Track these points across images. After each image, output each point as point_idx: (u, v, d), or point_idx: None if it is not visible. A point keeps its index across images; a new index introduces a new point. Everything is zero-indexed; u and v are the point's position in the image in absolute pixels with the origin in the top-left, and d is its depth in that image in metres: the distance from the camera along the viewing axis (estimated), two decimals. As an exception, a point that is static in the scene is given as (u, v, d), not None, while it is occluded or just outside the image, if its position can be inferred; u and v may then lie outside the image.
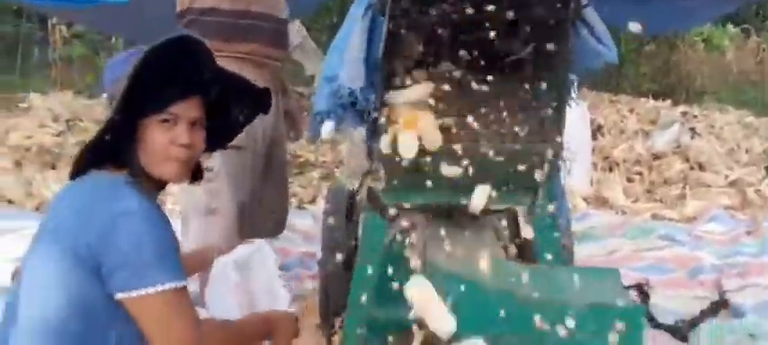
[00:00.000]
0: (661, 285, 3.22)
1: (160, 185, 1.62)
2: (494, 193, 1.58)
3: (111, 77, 1.58)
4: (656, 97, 7.82)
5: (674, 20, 6.50)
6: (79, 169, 1.55)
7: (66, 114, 5.50)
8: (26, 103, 6.16)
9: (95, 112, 5.79)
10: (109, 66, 1.67)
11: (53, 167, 4.79)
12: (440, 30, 1.46)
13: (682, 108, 6.85)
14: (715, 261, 3.47)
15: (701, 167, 5.09)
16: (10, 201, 4.16)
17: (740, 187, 4.71)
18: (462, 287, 1.47)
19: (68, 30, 7.82)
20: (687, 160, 5.16)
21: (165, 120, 1.54)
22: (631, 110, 6.08)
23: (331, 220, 2.73)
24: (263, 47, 2.56)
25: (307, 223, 3.97)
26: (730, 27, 10.28)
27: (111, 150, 1.54)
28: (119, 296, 1.41)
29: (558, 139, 1.51)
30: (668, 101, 7.35)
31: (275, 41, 2.63)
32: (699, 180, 4.88)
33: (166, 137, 1.54)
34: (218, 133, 1.69)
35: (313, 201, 4.51)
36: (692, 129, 5.73)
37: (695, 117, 6.42)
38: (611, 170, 4.99)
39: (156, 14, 4.25)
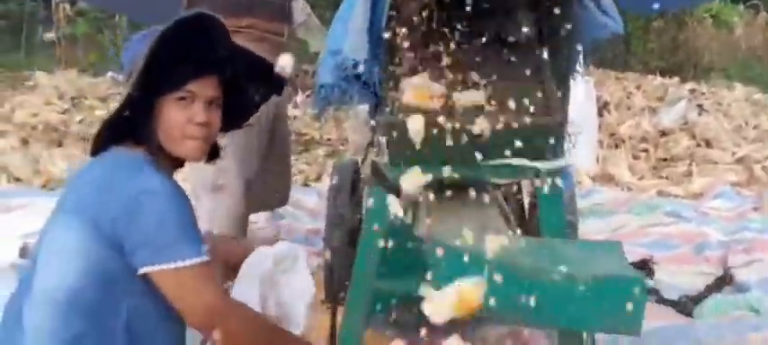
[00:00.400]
0: (666, 261, 3.22)
1: (177, 163, 1.66)
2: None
3: (129, 56, 1.61)
4: (663, 74, 7.78)
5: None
6: (99, 146, 1.59)
7: (71, 92, 5.52)
8: (32, 82, 6.19)
9: (100, 90, 5.81)
10: (126, 46, 1.71)
11: (59, 144, 4.81)
12: (443, 2, 1.45)
13: (689, 85, 6.81)
14: (721, 238, 3.47)
15: (708, 144, 5.07)
16: (17, 179, 4.18)
17: (747, 164, 4.69)
18: (465, 261, 1.47)
19: (72, 9, 7.81)
20: (694, 137, 5.14)
21: (182, 98, 1.56)
22: (638, 87, 6.05)
23: (336, 195, 2.74)
24: (264, 22, 2.55)
25: (312, 200, 3.98)
26: (739, 3, 10.17)
27: (130, 127, 1.58)
28: (145, 270, 1.47)
29: (563, 113, 1.49)
30: (676, 79, 7.31)
31: (277, 16, 2.63)
32: (705, 156, 4.86)
33: (183, 116, 1.57)
34: (234, 112, 1.71)
35: (318, 179, 4.52)
36: (700, 106, 5.70)
37: (703, 94, 6.39)
38: (617, 147, 4.98)
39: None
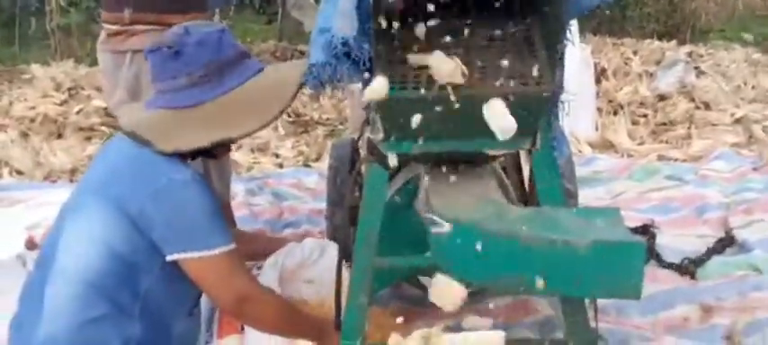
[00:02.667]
0: (668, 224, 3.23)
1: (195, 155, 1.75)
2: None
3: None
4: (660, 37, 7.73)
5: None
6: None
7: (67, 83, 5.51)
8: (28, 74, 6.18)
9: (96, 80, 5.78)
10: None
11: (59, 136, 4.82)
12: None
13: (687, 47, 6.77)
14: (722, 199, 3.47)
15: (707, 106, 5.06)
16: (19, 172, 4.19)
17: (746, 124, 4.68)
18: (462, 232, 1.48)
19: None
20: (692, 100, 5.12)
21: None
22: (635, 53, 6.02)
23: (335, 175, 2.75)
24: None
25: (313, 180, 3.98)
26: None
27: None
28: (175, 257, 1.56)
29: (555, 81, 1.49)
30: (673, 42, 7.27)
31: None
32: (704, 119, 4.85)
33: None
34: None
35: (318, 159, 4.52)
36: (697, 69, 5.67)
37: (701, 56, 6.35)
38: (615, 113, 4.96)
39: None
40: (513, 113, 1.47)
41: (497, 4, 1.61)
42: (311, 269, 2.31)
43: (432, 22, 1.59)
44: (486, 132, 1.53)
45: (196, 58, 1.64)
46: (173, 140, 1.62)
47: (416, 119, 1.51)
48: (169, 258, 1.59)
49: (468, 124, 1.53)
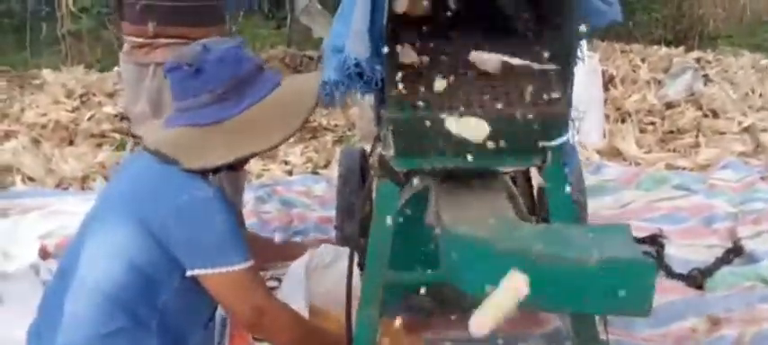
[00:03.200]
0: (676, 234, 3.24)
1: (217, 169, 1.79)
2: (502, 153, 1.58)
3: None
4: (668, 44, 7.73)
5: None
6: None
7: (79, 89, 5.55)
8: (39, 80, 6.23)
9: (107, 86, 5.84)
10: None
11: (70, 142, 4.86)
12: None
13: (695, 54, 6.77)
14: (730, 209, 3.47)
15: (715, 114, 5.06)
16: (30, 178, 4.23)
17: (754, 133, 4.68)
18: (473, 247, 1.50)
19: (75, 5, 7.81)
20: (700, 108, 5.13)
21: None
22: (643, 60, 6.02)
23: (344, 184, 2.78)
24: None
25: (321, 188, 4.01)
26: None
27: None
28: (195, 273, 1.59)
29: (565, 100, 1.51)
30: (681, 48, 7.27)
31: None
32: (712, 127, 4.85)
33: None
34: None
35: (327, 166, 4.54)
36: (705, 76, 5.67)
37: (709, 62, 6.36)
38: (623, 121, 4.97)
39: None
40: (524, 132, 1.49)
41: (509, 24, 1.63)
42: (333, 273, 2.32)
43: (443, 41, 1.61)
44: (498, 150, 1.55)
45: (217, 76, 1.67)
46: (198, 158, 1.65)
47: (427, 138, 1.53)
48: (189, 273, 1.62)
49: (480, 143, 1.54)
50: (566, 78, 1.51)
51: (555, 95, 1.50)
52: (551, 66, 1.55)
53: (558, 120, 1.52)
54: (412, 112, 1.50)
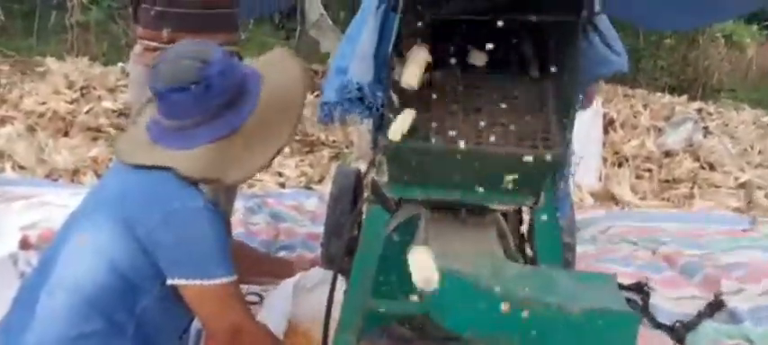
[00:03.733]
0: (659, 283, 3.21)
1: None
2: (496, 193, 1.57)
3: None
4: (672, 91, 7.77)
5: (699, 15, 6.44)
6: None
7: (80, 81, 5.54)
8: (42, 67, 6.22)
9: (109, 80, 5.83)
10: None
11: (65, 133, 4.83)
12: (450, 30, 1.47)
13: (697, 104, 6.80)
14: (713, 261, 3.44)
15: (712, 167, 5.06)
16: (21, 167, 4.20)
17: (749, 189, 4.68)
18: (458, 283, 1.48)
19: (86, -5, 7.84)
20: (698, 159, 5.14)
21: None
22: (645, 106, 6.04)
23: (335, 204, 2.75)
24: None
25: (313, 203, 3.98)
26: (754, 24, 10.13)
27: None
28: (176, 282, 1.59)
29: (564, 145, 1.50)
30: (684, 97, 7.30)
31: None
32: (708, 180, 4.85)
33: None
34: None
35: (321, 181, 4.52)
36: (705, 128, 5.69)
37: (710, 114, 6.38)
38: (620, 165, 4.97)
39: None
40: (520, 172, 1.48)
41: (513, 64, 1.63)
42: (319, 295, 2.29)
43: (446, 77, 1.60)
44: (491, 186, 1.54)
45: (224, 87, 1.64)
46: (240, 169, 1.64)
47: (422, 168, 1.52)
48: (170, 282, 1.59)
49: (474, 178, 1.53)
50: (565, 123, 1.50)
51: (553, 138, 1.49)
52: (553, 112, 1.54)
53: (553, 164, 1.51)
54: (408, 141, 1.49)
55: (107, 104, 5.11)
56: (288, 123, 1.68)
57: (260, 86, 1.71)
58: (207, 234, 1.60)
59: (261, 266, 2.43)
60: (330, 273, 2.29)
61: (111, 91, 5.61)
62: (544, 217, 1.64)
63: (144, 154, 1.68)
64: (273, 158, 1.69)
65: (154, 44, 2.56)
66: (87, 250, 1.62)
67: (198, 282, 1.58)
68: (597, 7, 1.42)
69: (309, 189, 4.39)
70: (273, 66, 1.80)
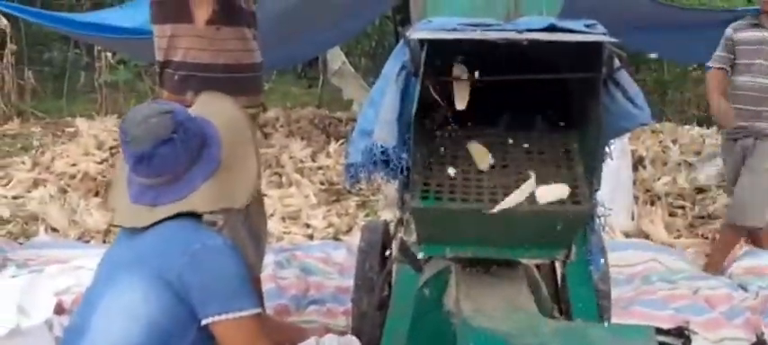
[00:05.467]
0: (699, 326, 3.13)
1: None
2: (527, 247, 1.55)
3: None
4: (700, 123, 7.68)
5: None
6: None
7: (110, 141, 5.64)
8: (72, 128, 6.36)
9: (138, 139, 5.92)
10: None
11: (96, 194, 4.90)
12: (474, 93, 1.47)
13: (727, 136, 6.68)
14: (753, 300, 3.35)
15: (746, 202, 4.95)
16: (54, 229, 4.26)
17: (787, 222, 4.56)
18: (492, 343, 1.46)
19: (114, 57, 8.03)
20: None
21: None
22: (674, 141, 5.96)
23: (365, 258, 2.74)
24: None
25: (341, 255, 3.96)
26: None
27: None
28: (210, 320, 1.63)
29: (593, 198, 1.48)
30: (713, 128, 7.21)
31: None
32: (743, 215, 4.74)
33: None
34: None
35: (349, 231, 4.51)
36: (737, 162, 5.58)
37: (741, 146, 6.26)
38: (652, 203, 4.89)
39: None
40: (548, 228, 1.45)
41: (538, 117, 1.62)
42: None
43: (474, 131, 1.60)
44: (520, 242, 1.51)
45: (197, 129, 1.74)
46: (241, 193, 1.74)
47: (450, 227, 1.50)
48: (204, 321, 1.62)
49: (503, 235, 1.51)
50: (593, 177, 1.48)
51: (582, 193, 1.47)
52: (579, 166, 1.52)
53: (583, 219, 1.48)
54: (436, 201, 1.48)
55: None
56: (249, 144, 1.81)
57: (209, 121, 1.80)
58: (231, 269, 1.65)
59: (280, 334, 2.44)
60: (343, 340, 2.27)
61: (141, 149, 5.69)
62: (576, 271, 1.61)
63: (150, 217, 1.71)
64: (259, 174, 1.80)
65: None
66: (120, 313, 1.63)
67: (229, 316, 1.62)
68: (617, 64, 1.41)
69: (337, 240, 4.39)
70: (205, 107, 1.90)
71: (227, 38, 2.52)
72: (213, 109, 1.88)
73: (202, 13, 2.46)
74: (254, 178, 1.78)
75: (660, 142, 5.93)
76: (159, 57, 2.60)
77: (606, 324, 1.89)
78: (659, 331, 1.62)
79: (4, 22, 7.46)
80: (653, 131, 6.36)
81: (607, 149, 1.50)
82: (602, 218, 1.61)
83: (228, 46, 2.54)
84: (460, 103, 1.55)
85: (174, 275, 1.61)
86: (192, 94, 2.57)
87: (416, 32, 1.44)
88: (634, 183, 4.98)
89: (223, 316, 1.62)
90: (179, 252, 1.63)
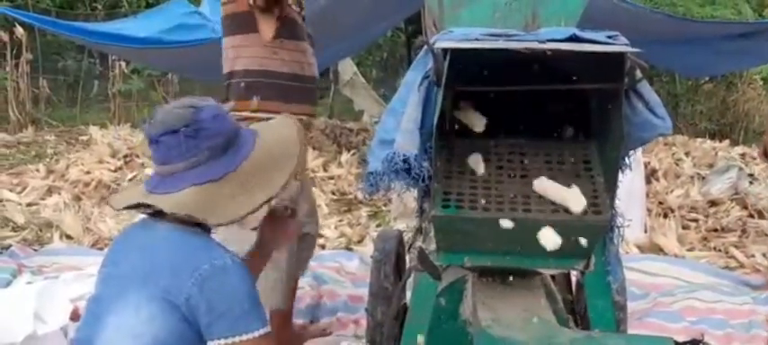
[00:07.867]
0: (715, 339, 3.11)
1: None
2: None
3: None
4: (712, 136, 7.66)
5: (732, 62, 6.42)
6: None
7: (123, 149, 5.67)
8: (86, 136, 6.41)
9: (151, 147, 5.96)
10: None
11: (110, 202, 4.92)
12: (494, 102, 1.48)
13: (740, 149, 6.67)
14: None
15: (761, 214, 4.93)
16: (68, 236, 4.29)
17: (802, 236, 4.55)
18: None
19: (127, 66, 8.10)
20: (745, 207, 5.01)
21: None
22: (687, 154, 5.95)
23: (379, 267, 2.74)
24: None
25: (354, 265, 3.97)
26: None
27: None
28: (217, 343, 1.59)
29: (611, 209, 1.48)
30: (726, 142, 7.19)
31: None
32: (758, 228, 4.72)
33: None
34: None
35: (361, 241, 4.52)
36: (751, 175, 5.57)
37: (754, 159, 6.25)
38: (665, 216, 4.87)
39: (205, 56, 4.48)
40: (567, 238, 1.46)
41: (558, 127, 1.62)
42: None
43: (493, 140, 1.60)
44: (539, 252, 1.52)
45: (217, 130, 1.67)
46: (222, 213, 1.65)
47: (470, 236, 1.51)
48: (211, 344, 1.60)
49: (523, 244, 1.52)
50: (612, 188, 1.48)
51: (601, 203, 1.47)
52: (599, 176, 1.52)
53: (602, 229, 1.48)
54: (457, 210, 1.48)
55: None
56: (281, 173, 1.69)
57: (254, 137, 1.74)
58: (239, 289, 1.61)
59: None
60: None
61: (153, 158, 5.73)
62: (595, 281, 1.60)
63: (141, 197, 1.69)
64: (260, 207, 1.68)
65: (244, 114, 2.65)
66: (127, 333, 1.61)
67: (235, 339, 1.59)
68: (638, 75, 1.42)
69: (349, 250, 4.39)
70: (269, 126, 1.85)
71: (291, 49, 2.69)
72: (272, 127, 1.84)
73: (268, 27, 2.63)
74: (248, 211, 1.67)
75: (673, 154, 5.91)
76: (226, 68, 2.74)
77: (624, 335, 1.88)
78: (677, 343, 1.62)
79: (21, 30, 7.54)
80: (666, 144, 6.34)
81: (627, 160, 1.50)
82: (621, 229, 1.61)
83: (293, 56, 2.70)
84: (478, 127, 1.56)
85: (183, 298, 1.58)
86: (258, 99, 2.68)
87: (440, 42, 1.45)
88: (647, 196, 4.96)
89: (230, 339, 1.59)
90: (188, 273, 1.58)
